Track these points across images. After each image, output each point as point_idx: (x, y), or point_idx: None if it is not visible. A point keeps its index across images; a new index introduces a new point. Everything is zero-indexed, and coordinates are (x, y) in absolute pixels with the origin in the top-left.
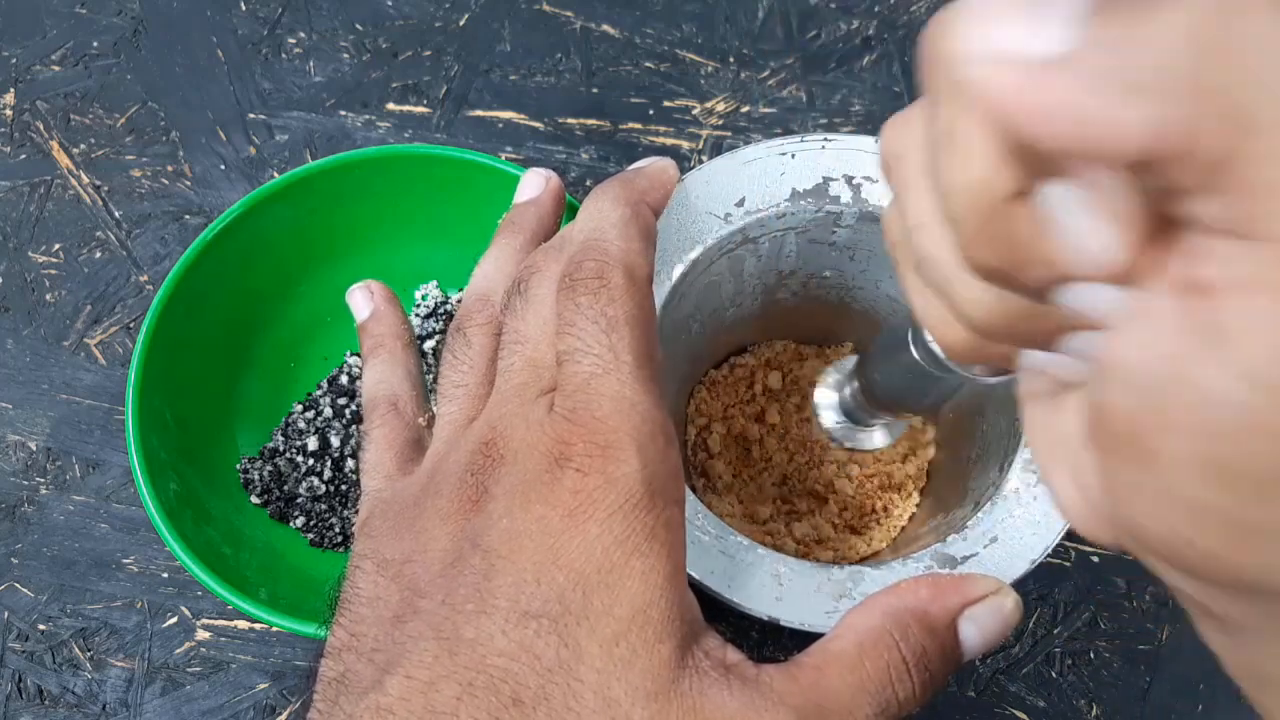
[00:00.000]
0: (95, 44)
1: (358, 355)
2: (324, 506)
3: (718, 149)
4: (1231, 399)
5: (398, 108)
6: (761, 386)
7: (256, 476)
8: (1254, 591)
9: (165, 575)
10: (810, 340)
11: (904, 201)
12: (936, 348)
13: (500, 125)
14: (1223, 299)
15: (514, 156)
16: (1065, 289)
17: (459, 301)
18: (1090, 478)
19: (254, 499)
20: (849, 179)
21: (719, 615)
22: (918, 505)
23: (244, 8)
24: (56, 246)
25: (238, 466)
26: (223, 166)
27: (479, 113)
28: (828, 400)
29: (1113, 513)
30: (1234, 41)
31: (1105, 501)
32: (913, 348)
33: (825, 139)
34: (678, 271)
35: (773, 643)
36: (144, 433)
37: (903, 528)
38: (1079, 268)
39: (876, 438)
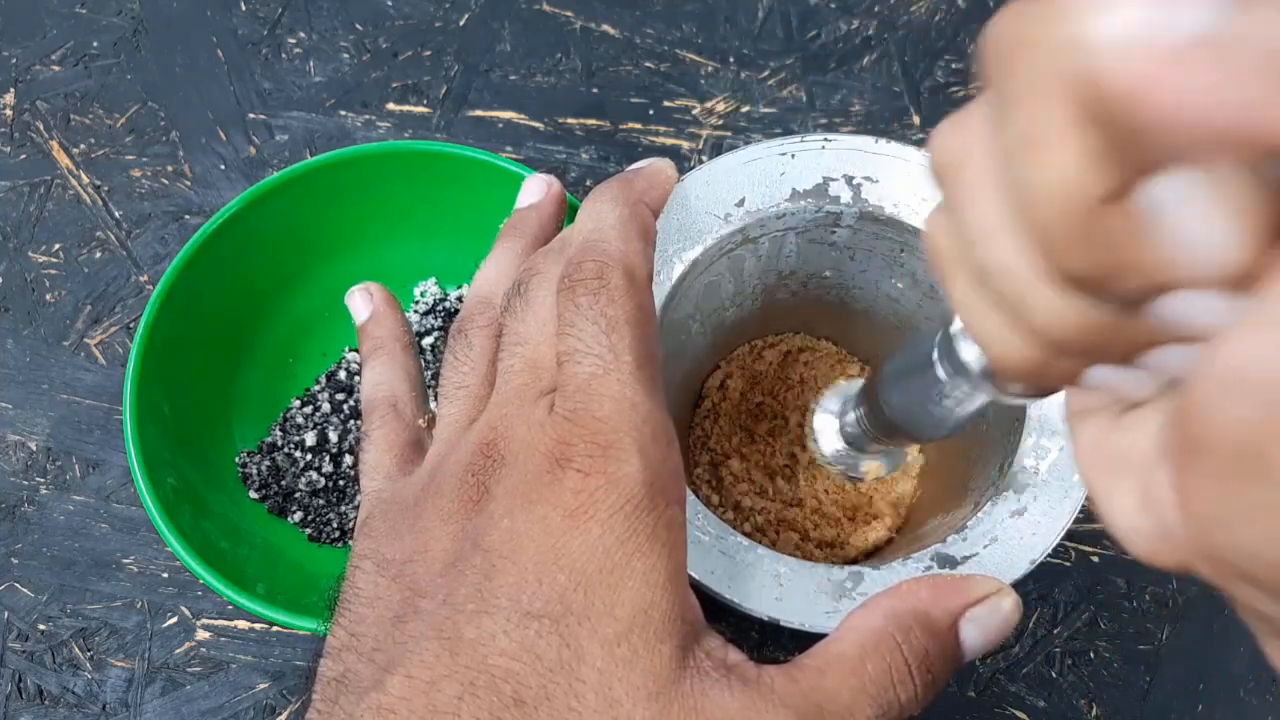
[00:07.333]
0: (95, 44)
1: (356, 351)
2: (322, 502)
3: (718, 149)
4: None
5: (398, 108)
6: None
7: (254, 471)
8: None
9: (165, 575)
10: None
11: (963, 212)
12: (976, 366)
13: (500, 125)
14: None
15: (514, 156)
16: (1168, 298)
17: (458, 298)
18: (1165, 499)
19: (252, 494)
20: (849, 179)
21: (719, 615)
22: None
23: (244, 8)
24: (56, 246)
25: (236, 461)
26: (223, 166)
27: (479, 113)
28: (828, 425)
29: (1199, 536)
30: None
31: (1187, 524)
32: (939, 367)
33: (825, 139)
34: (678, 271)
35: (773, 643)
36: (142, 427)
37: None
38: (1190, 272)
39: (876, 467)
